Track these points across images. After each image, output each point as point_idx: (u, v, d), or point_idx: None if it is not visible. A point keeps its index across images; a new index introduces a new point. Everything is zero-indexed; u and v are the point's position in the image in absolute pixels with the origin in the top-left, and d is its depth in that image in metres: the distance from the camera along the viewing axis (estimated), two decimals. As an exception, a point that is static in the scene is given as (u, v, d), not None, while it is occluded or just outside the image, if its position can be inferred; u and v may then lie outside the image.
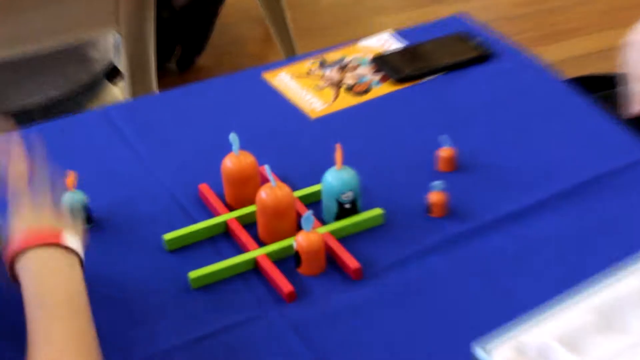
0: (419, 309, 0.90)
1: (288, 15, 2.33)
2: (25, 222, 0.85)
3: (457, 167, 1.07)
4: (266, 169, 0.94)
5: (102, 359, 0.77)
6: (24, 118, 1.42)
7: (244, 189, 0.99)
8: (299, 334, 0.87)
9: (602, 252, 0.93)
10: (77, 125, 1.24)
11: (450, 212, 1.00)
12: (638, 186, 1.06)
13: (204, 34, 2.59)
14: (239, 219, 0.96)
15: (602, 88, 1.28)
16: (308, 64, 1.28)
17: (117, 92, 1.65)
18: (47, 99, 1.53)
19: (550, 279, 0.91)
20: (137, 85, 1.60)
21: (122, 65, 1.58)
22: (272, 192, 0.93)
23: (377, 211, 0.97)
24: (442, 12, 1.49)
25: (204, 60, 2.62)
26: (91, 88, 1.59)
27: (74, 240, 0.85)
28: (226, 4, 2.60)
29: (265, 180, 0.96)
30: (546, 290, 0.85)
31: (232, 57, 2.66)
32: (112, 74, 1.62)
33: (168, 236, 0.95)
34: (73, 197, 0.99)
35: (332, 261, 0.94)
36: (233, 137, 0.97)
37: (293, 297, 0.89)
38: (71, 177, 0.97)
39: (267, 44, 2.66)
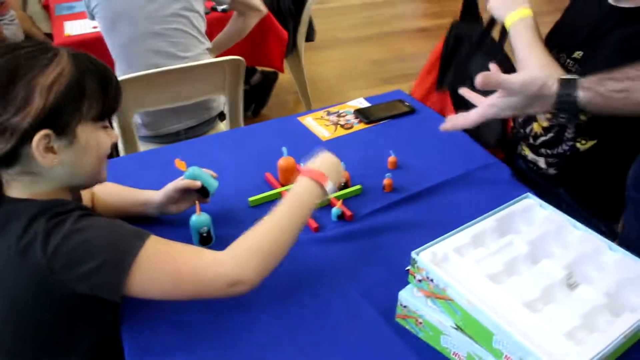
0: (382, 239, 1.22)
1: (308, 90, 3.38)
2: (319, 166, 1.08)
3: (397, 166, 1.46)
4: (301, 165, 1.18)
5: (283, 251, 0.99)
6: (174, 136, 1.99)
7: (289, 175, 1.36)
8: (320, 247, 1.20)
9: (464, 218, 1.12)
10: (202, 143, 1.59)
11: (394, 189, 1.37)
12: (486, 182, 1.38)
13: (265, 97, 3.63)
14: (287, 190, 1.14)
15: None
16: (320, 113, 1.69)
17: (223, 126, 2.05)
18: (188, 126, 1.87)
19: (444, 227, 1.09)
20: (233, 122, 1.92)
21: (226, 110, 1.86)
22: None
23: (358, 187, 1.37)
24: (390, 88, 1.87)
25: (266, 111, 3.65)
26: (210, 123, 1.93)
27: (329, 186, 1.07)
28: (277, 82, 3.67)
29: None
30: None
31: (280, 109, 3.68)
32: (221, 116, 1.96)
33: (251, 199, 1.33)
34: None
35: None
36: (284, 149, 1.38)
37: (317, 230, 1.25)
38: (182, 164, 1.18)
39: (297, 104, 3.77)
